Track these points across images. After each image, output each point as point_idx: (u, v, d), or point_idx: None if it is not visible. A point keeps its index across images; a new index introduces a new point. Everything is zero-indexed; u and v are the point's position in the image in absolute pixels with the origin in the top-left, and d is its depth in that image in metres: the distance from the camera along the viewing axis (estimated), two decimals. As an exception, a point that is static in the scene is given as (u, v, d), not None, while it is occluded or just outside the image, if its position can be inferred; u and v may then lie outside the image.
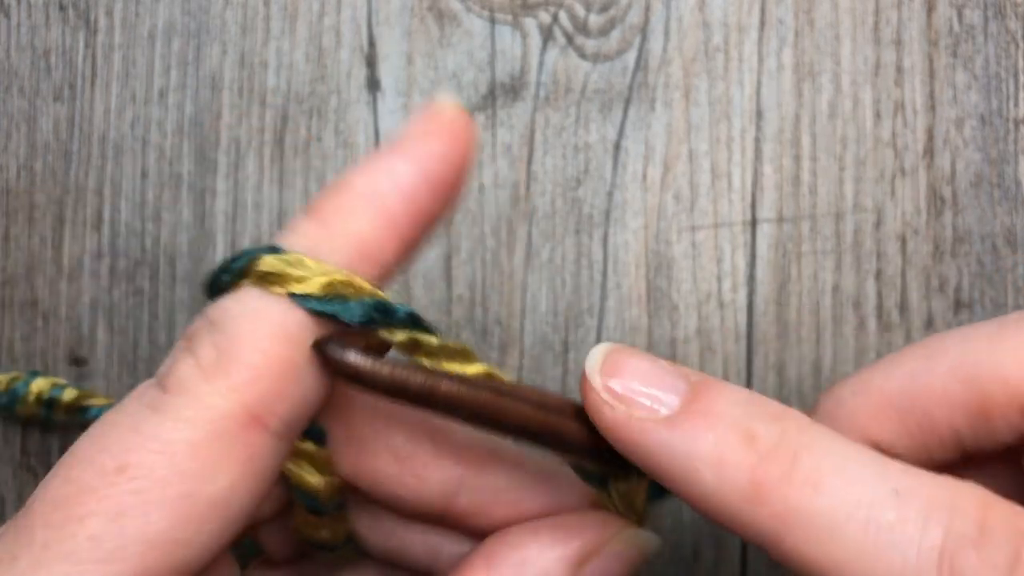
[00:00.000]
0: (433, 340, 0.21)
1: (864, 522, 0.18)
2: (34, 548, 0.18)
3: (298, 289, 0.20)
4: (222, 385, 0.19)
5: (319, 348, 0.20)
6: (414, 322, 0.21)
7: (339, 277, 0.20)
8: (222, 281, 0.21)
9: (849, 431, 0.22)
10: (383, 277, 0.21)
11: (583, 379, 0.21)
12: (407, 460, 0.23)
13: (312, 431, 0.22)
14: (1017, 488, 0.22)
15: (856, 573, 0.18)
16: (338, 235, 0.21)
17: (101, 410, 0.30)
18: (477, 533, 0.23)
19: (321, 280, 0.20)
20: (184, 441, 0.19)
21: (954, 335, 0.22)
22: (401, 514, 0.24)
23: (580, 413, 0.21)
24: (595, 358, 0.21)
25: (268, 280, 0.20)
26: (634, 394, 0.20)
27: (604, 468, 0.22)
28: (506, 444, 0.23)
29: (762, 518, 0.19)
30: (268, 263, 0.20)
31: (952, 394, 0.21)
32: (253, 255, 0.20)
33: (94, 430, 0.20)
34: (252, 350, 0.20)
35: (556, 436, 0.21)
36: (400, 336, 0.21)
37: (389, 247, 0.21)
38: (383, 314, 0.20)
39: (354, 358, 0.20)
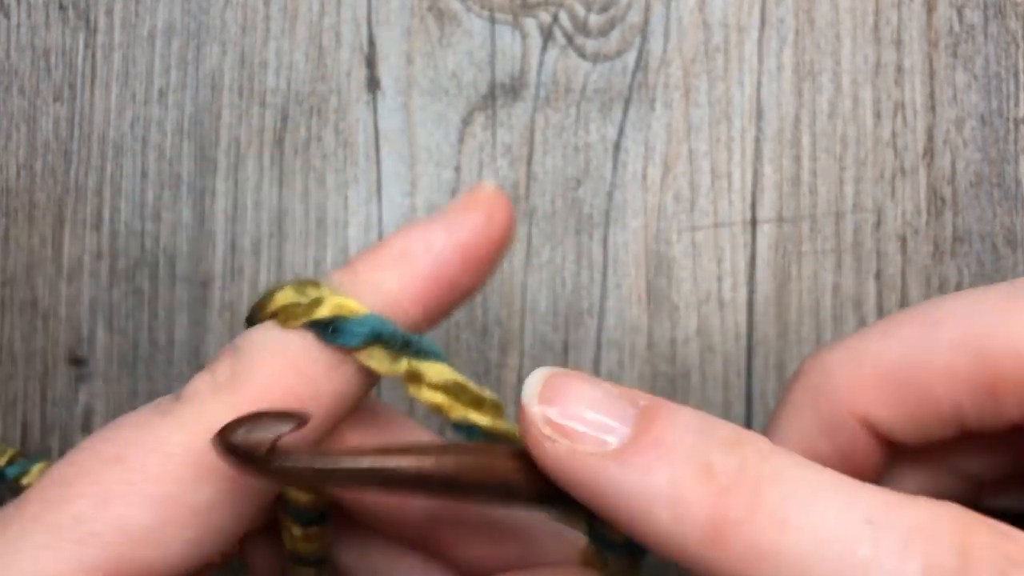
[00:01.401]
0: (437, 373, 0.21)
1: (836, 560, 0.16)
2: (25, 518, 0.19)
3: (309, 318, 0.21)
4: (227, 399, 0.20)
5: (220, 438, 0.19)
6: (412, 346, 0.21)
7: (351, 306, 0.21)
8: (254, 314, 0.22)
9: (838, 405, 0.21)
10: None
11: (520, 410, 0.18)
12: None
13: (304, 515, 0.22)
14: (1015, 470, 0.21)
15: None
16: (364, 285, 0.22)
17: (19, 466, 0.29)
18: (460, 567, 0.23)
19: (333, 303, 0.21)
20: (180, 445, 0.20)
21: (958, 301, 0.20)
22: (385, 535, 0.24)
23: (520, 454, 0.19)
24: (532, 384, 0.19)
25: (286, 312, 0.21)
26: (578, 424, 0.18)
27: (555, 512, 0.20)
28: None
29: (726, 561, 0.17)
30: (285, 295, 0.21)
31: (956, 367, 0.20)
32: (274, 289, 0.22)
33: (108, 426, 0.21)
34: (263, 374, 0.21)
35: (493, 484, 0.19)
36: (402, 365, 0.21)
37: (413, 307, 0.22)
38: (383, 335, 0.21)
39: (247, 445, 0.18)
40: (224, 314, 0.32)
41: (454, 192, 0.32)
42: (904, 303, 0.31)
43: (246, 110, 0.32)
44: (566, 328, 0.31)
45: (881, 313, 0.31)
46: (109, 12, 0.33)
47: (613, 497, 0.18)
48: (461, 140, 0.32)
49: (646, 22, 0.32)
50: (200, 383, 0.21)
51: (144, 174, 0.32)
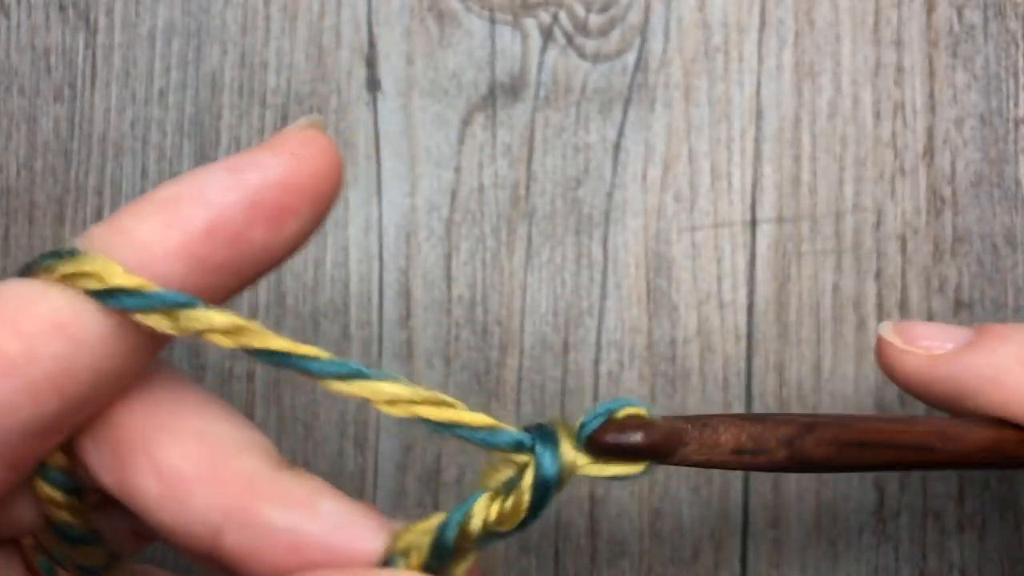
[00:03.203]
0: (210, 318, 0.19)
1: None
2: None
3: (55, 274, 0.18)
4: None
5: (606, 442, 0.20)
6: (166, 303, 0.18)
7: (93, 264, 0.18)
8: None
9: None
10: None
11: (880, 344, 0.25)
12: (170, 481, 0.19)
13: (59, 478, 0.20)
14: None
15: None
16: (120, 236, 0.18)
17: None
18: None
19: (77, 262, 0.18)
20: None
21: None
22: (169, 543, 0.20)
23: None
24: (885, 327, 0.25)
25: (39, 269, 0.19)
26: (928, 340, 0.24)
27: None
28: (285, 477, 0.20)
29: None
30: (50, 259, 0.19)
31: None
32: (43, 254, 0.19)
33: None
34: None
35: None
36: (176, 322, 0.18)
37: (173, 261, 0.18)
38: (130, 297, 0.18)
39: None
40: (224, 314, 0.32)
41: (454, 192, 0.32)
42: (904, 303, 0.31)
43: (246, 110, 0.32)
44: (566, 328, 0.31)
45: (881, 313, 0.31)
46: (109, 12, 0.33)
47: (968, 378, 0.23)
48: (461, 140, 0.32)
49: (646, 22, 0.32)
50: None
51: (144, 174, 0.32)
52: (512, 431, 0.20)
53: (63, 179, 0.32)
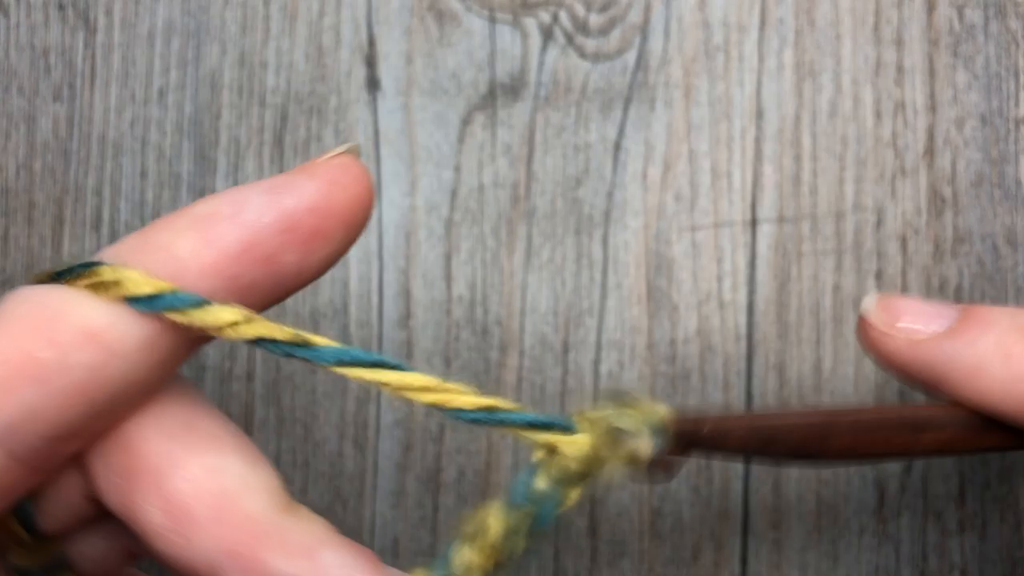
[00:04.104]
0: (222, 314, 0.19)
1: None
2: None
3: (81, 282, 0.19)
4: None
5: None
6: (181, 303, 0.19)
7: (127, 275, 0.18)
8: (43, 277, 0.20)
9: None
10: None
11: (862, 322, 0.24)
12: (177, 515, 0.19)
13: (21, 511, 0.20)
14: None
15: None
16: (153, 249, 0.19)
17: None
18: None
19: (107, 272, 0.18)
20: None
21: None
22: (165, 566, 0.21)
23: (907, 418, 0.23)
24: (870, 303, 0.24)
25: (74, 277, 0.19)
26: (911, 322, 0.23)
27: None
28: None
29: None
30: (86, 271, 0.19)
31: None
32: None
33: None
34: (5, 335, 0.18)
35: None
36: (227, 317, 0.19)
37: (208, 278, 0.19)
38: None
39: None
40: (224, 314, 0.32)
41: (454, 192, 0.32)
42: (904, 303, 0.31)
43: (246, 110, 0.32)
44: (566, 328, 0.31)
45: (881, 313, 0.31)
46: (108, 12, 0.33)
47: (947, 366, 0.22)
48: (461, 140, 0.32)
49: (646, 21, 0.32)
50: None
51: (144, 174, 0.32)
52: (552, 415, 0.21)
53: (62, 179, 0.32)
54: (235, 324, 0.19)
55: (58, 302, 0.18)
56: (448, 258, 0.32)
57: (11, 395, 0.18)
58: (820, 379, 0.31)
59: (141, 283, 0.18)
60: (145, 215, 0.32)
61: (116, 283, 0.18)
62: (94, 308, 0.18)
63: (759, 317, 0.31)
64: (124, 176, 0.32)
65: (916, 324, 0.23)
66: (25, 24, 0.33)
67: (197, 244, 0.19)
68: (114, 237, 0.32)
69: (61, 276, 0.19)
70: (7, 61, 0.33)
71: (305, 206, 0.19)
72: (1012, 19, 0.31)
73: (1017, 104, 0.31)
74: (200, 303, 0.19)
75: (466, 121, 0.32)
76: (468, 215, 0.32)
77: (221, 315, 0.19)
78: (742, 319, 0.31)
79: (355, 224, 0.20)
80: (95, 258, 0.19)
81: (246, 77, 0.32)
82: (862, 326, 0.24)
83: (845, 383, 0.31)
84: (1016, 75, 0.31)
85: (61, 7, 0.33)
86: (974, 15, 0.31)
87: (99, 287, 0.18)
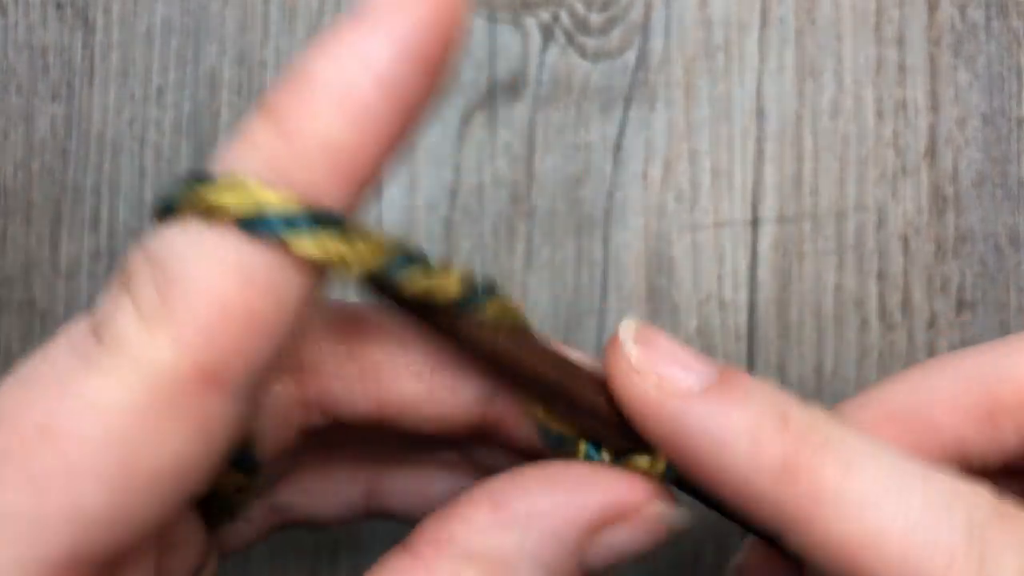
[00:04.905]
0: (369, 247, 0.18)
1: (896, 498, 0.18)
2: None
3: (250, 211, 0.16)
4: (166, 338, 0.16)
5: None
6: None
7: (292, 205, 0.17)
8: (166, 216, 0.17)
9: None
10: (360, 194, 0.17)
11: (613, 346, 0.20)
12: (435, 375, 0.21)
13: (242, 460, 0.20)
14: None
15: (894, 543, 0.18)
16: (301, 145, 0.17)
17: None
18: (512, 445, 0.22)
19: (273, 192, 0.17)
20: (120, 404, 0.16)
21: (958, 352, 0.22)
22: (431, 434, 0.22)
23: (597, 383, 0.21)
24: (628, 326, 0.20)
25: (216, 207, 0.17)
26: (666, 366, 0.20)
27: (615, 443, 0.21)
28: None
29: (792, 499, 0.19)
30: (217, 189, 0.17)
31: (958, 398, 0.21)
32: (190, 184, 0.17)
33: (15, 380, 0.17)
34: (202, 295, 0.16)
35: (570, 400, 0.20)
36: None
37: (368, 153, 0.17)
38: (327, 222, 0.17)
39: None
40: (222, 314, 0.32)
41: (454, 192, 0.32)
42: (906, 303, 0.31)
43: (245, 109, 0.32)
44: (566, 328, 0.31)
45: (883, 313, 0.31)
46: (107, 10, 0.32)
47: (693, 433, 0.19)
48: (460, 139, 0.32)
49: (647, 21, 0.32)
50: (122, 317, 0.16)
51: (142, 173, 0.32)
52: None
53: (60, 179, 0.32)
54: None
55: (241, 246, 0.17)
56: (448, 258, 0.31)
57: (251, 342, 0.17)
58: (821, 380, 0.31)
59: (269, 197, 0.17)
60: (143, 215, 0.32)
61: (238, 202, 0.17)
62: (243, 251, 0.17)
63: (760, 317, 0.31)
64: (123, 175, 0.32)
65: (672, 371, 0.20)
66: (23, 23, 0.33)
67: (349, 123, 0.17)
68: (112, 237, 0.32)
69: (175, 200, 0.17)
70: (5, 60, 0.33)
71: (426, 35, 0.17)
72: (1014, 18, 0.31)
73: (1019, 103, 0.31)
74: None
75: (466, 120, 0.32)
76: (468, 215, 0.31)
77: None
78: (743, 319, 0.31)
79: (458, 27, 0.17)
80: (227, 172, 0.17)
81: (245, 76, 0.32)
82: (613, 351, 0.20)
83: (846, 384, 0.31)
84: (1018, 74, 0.31)
85: (59, 6, 0.33)
86: (976, 14, 0.31)
87: (217, 210, 0.17)
